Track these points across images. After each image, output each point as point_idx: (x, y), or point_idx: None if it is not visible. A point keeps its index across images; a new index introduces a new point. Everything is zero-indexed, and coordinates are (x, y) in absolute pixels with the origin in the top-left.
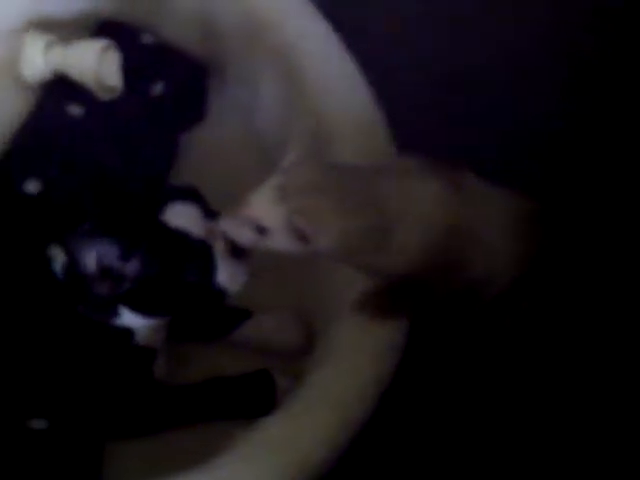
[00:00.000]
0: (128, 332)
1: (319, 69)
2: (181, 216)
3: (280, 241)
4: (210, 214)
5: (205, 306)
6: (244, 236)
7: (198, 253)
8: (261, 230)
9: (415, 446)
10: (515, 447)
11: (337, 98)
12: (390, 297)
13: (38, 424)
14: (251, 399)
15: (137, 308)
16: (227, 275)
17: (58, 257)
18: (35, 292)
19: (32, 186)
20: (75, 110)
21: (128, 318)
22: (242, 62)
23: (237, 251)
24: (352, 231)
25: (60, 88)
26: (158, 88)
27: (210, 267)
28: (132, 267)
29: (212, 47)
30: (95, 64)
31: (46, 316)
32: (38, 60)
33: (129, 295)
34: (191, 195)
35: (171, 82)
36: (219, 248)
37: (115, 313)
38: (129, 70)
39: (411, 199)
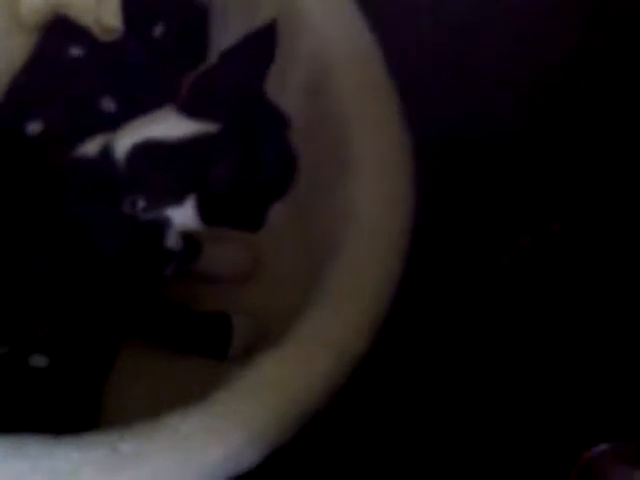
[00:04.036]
0: (162, 233)
1: (319, 6)
2: None
3: None
4: None
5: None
6: None
7: None
8: None
9: (411, 385)
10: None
11: (335, 33)
12: None
13: (38, 361)
14: (206, 338)
15: (205, 212)
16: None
17: None
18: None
19: (34, 126)
20: (76, 51)
21: (183, 215)
22: (242, 1)
23: None
24: None
25: (60, 29)
26: (159, 29)
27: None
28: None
29: None
30: (95, 4)
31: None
32: (39, 2)
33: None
34: None
35: (172, 23)
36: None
37: (180, 202)
38: (129, 11)
39: None
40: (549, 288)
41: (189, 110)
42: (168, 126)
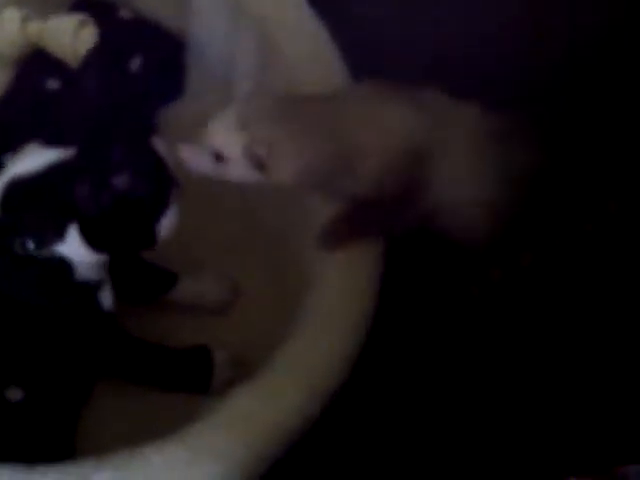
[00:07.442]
0: (68, 266)
1: (295, 40)
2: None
3: (237, 169)
4: None
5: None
6: (202, 164)
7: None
8: (219, 157)
9: (387, 415)
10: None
11: (311, 68)
12: (355, 221)
13: (14, 394)
14: (187, 373)
15: (90, 238)
16: (169, 222)
17: None
18: None
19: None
20: (53, 84)
21: (70, 247)
22: (219, 36)
23: None
24: (311, 163)
25: (38, 62)
26: (136, 63)
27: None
28: (119, 181)
29: (189, 21)
30: (72, 38)
31: None
32: (15, 35)
33: (89, 223)
34: None
35: (149, 57)
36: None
37: (62, 235)
38: (107, 45)
39: (370, 124)
40: (523, 321)
41: (48, 139)
42: (28, 160)
